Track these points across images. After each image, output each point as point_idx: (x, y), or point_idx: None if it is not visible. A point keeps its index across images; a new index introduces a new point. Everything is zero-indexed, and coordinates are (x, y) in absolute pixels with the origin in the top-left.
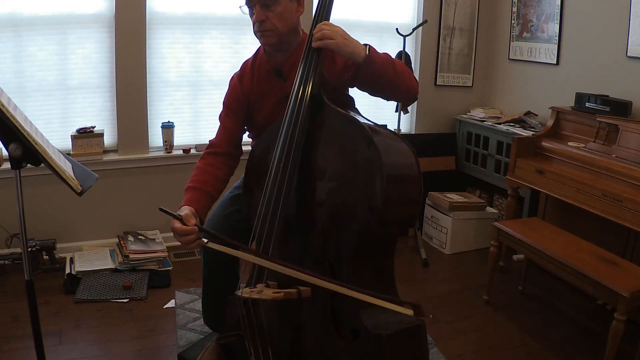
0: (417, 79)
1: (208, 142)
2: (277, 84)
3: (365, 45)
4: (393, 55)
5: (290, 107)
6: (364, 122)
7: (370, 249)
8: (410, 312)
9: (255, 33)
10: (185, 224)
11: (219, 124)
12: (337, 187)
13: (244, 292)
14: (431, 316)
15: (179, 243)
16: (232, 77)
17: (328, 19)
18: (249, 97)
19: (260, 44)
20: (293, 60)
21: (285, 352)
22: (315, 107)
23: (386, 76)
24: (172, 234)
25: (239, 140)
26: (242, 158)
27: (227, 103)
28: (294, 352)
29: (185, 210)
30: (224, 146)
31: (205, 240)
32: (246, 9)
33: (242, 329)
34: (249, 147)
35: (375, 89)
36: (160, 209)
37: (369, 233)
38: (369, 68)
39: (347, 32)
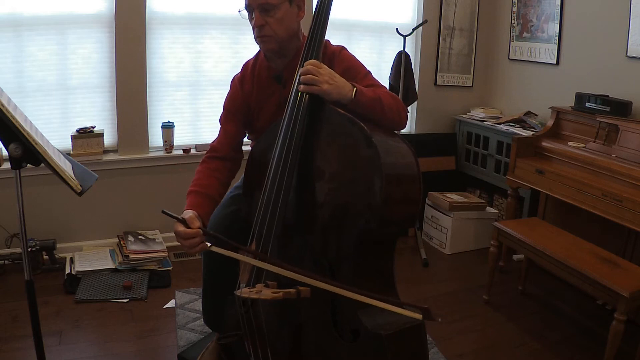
0: (412, 95)
1: (209, 146)
2: (277, 89)
3: (354, 86)
4: (393, 55)
5: (290, 106)
6: (363, 122)
7: (370, 249)
8: (418, 316)
9: (255, 38)
10: (188, 227)
11: (219, 126)
12: (336, 187)
13: (243, 292)
14: (440, 320)
15: (179, 243)
16: (233, 79)
17: (324, 33)
18: (250, 101)
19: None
20: (293, 66)
21: (284, 352)
22: (314, 106)
23: (372, 115)
24: (171, 233)
25: (240, 144)
26: (242, 159)
27: (227, 106)
28: (293, 352)
29: (188, 214)
30: (225, 150)
31: (209, 245)
32: (245, 14)
33: (242, 329)
34: (249, 148)
35: None
36: (163, 212)
37: (369, 233)
38: (354, 108)
39: (347, 32)
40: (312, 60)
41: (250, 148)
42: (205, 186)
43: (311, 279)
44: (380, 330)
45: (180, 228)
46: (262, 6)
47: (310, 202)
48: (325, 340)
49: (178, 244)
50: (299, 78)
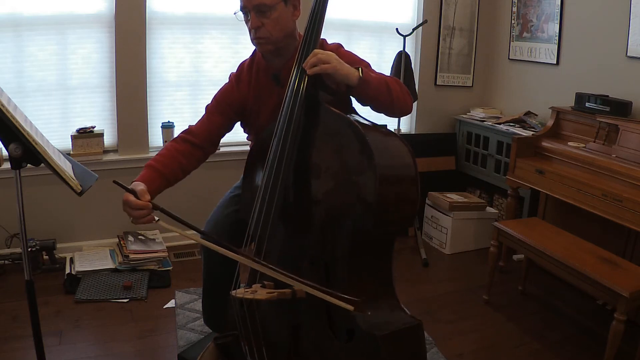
0: (412, 95)
1: (188, 127)
2: (275, 90)
3: (357, 67)
4: (393, 55)
5: (285, 106)
6: (358, 122)
7: (366, 249)
8: (350, 307)
9: (251, 40)
10: (139, 199)
11: (204, 112)
12: (332, 187)
13: (238, 292)
14: (369, 313)
15: (179, 243)
16: (230, 75)
17: (320, 31)
18: (245, 101)
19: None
20: (291, 66)
21: (280, 352)
22: (310, 106)
23: (379, 97)
24: (172, 234)
25: (218, 138)
26: (241, 158)
27: (218, 98)
28: (290, 352)
29: (140, 186)
30: (202, 138)
31: (157, 219)
32: (241, 15)
33: (238, 329)
34: (249, 148)
35: (365, 104)
36: (115, 182)
37: (364, 233)
38: (362, 89)
39: (347, 32)
40: (317, 49)
41: (249, 148)
42: (165, 165)
43: (281, 274)
44: (375, 331)
45: (131, 198)
46: (257, 7)
47: (307, 201)
48: (321, 340)
49: (178, 243)
50: (301, 69)
